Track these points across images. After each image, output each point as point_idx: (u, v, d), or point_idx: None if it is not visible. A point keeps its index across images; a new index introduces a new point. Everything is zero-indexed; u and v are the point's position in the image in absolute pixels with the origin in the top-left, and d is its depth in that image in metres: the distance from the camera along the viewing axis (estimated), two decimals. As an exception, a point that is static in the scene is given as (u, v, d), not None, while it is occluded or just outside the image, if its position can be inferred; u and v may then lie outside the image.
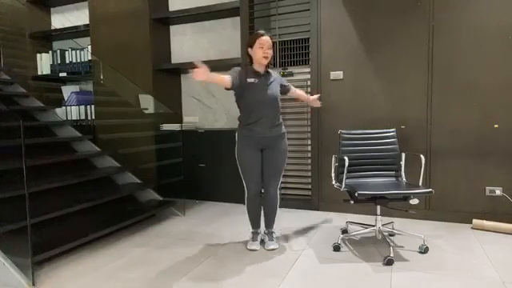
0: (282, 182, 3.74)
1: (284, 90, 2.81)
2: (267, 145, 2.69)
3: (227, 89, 2.62)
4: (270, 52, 2.63)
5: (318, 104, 3.08)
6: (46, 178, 3.10)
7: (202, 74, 2.34)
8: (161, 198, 3.76)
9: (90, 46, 4.50)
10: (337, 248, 2.71)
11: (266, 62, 2.62)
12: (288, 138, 3.72)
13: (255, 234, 2.86)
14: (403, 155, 2.90)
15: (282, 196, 3.77)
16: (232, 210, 3.81)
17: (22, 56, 4.84)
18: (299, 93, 3.00)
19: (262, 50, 2.59)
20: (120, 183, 3.72)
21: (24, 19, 4.88)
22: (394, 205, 2.78)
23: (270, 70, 2.71)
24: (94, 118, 4.46)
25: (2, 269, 2.23)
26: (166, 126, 4.19)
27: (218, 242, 2.95)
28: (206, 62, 4.04)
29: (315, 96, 3.04)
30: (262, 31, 2.65)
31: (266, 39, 2.60)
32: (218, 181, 4.12)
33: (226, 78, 2.55)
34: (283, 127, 2.76)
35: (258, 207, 2.83)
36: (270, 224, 2.85)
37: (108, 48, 4.41)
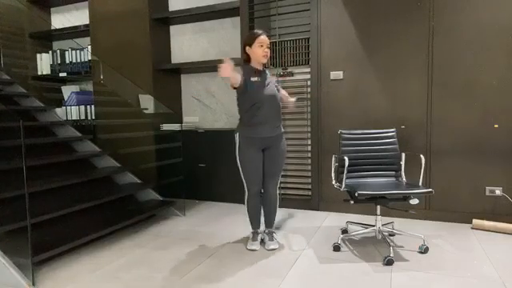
0: (281, 182, 3.77)
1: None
2: (268, 145, 2.69)
3: (235, 88, 2.59)
4: (269, 51, 2.66)
5: (292, 104, 2.93)
6: (46, 178, 3.10)
7: (228, 70, 2.38)
8: (161, 198, 3.76)
9: (89, 46, 4.50)
10: (337, 248, 2.71)
11: (265, 60, 2.64)
12: (288, 138, 3.75)
13: (255, 233, 2.86)
14: (403, 155, 2.90)
15: (282, 196, 3.77)
16: (232, 210, 3.81)
17: (22, 56, 4.84)
18: (283, 93, 2.88)
19: (262, 49, 2.60)
20: (120, 183, 3.72)
21: (24, 19, 4.88)
22: (394, 205, 2.78)
23: (265, 70, 2.74)
24: (94, 118, 4.46)
25: (2, 269, 2.23)
26: (166, 126, 4.19)
27: (218, 242, 2.95)
28: (205, 62, 4.11)
29: (292, 99, 2.89)
30: (259, 31, 2.66)
31: (264, 38, 2.62)
32: (218, 181, 4.12)
33: (239, 78, 2.54)
34: (282, 127, 2.78)
35: (257, 207, 2.83)
36: (270, 224, 2.85)
37: (108, 48, 4.41)
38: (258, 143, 2.66)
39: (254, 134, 2.64)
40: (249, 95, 2.60)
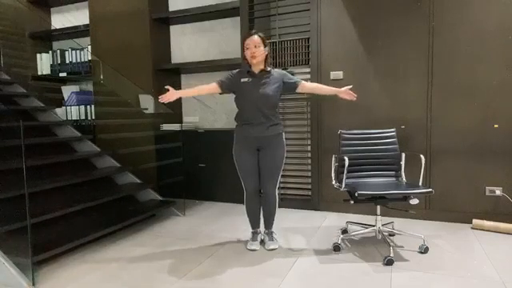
0: (281, 182, 3.76)
1: (289, 86, 2.70)
2: (263, 145, 2.68)
3: (221, 93, 2.76)
4: (258, 51, 2.59)
5: (352, 97, 2.69)
6: (46, 178, 3.10)
7: (169, 95, 2.70)
8: (161, 198, 3.76)
9: (89, 46, 4.50)
10: (337, 248, 2.71)
11: (254, 61, 2.61)
12: (288, 138, 3.73)
13: (255, 233, 2.86)
14: (403, 155, 2.90)
15: (282, 196, 3.77)
16: (232, 210, 3.81)
17: (22, 56, 4.84)
18: (316, 86, 2.85)
19: (249, 51, 2.61)
20: (120, 183, 3.72)
21: (24, 19, 4.88)
22: (394, 205, 2.78)
23: (270, 69, 2.68)
24: (94, 118, 4.46)
25: (1, 269, 2.23)
26: (166, 126, 4.19)
27: (218, 241, 2.95)
28: (205, 62, 4.11)
29: (345, 88, 2.70)
30: (251, 31, 2.69)
31: (250, 39, 2.61)
32: (218, 181, 4.12)
33: (211, 85, 2.74)
34: (280, 127, 2.71)
35: (256, 207, 2.83)
36: (269, 225, 2.85)
37: (108, 48, 4.41)
38: (249, 142, 2.68)
39: (244, 132, 2.69)
40: (238, 96, 2.69)
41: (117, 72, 4.26)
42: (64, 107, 4.59)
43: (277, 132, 2.69)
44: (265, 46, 2.63)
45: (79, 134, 3.88)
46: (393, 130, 2.97)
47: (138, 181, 3.74)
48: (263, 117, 2.62)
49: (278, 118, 2.73)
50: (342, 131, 2.96)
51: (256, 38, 2.60)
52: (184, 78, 4.61)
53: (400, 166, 2.90)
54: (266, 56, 2.66)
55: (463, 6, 3.09)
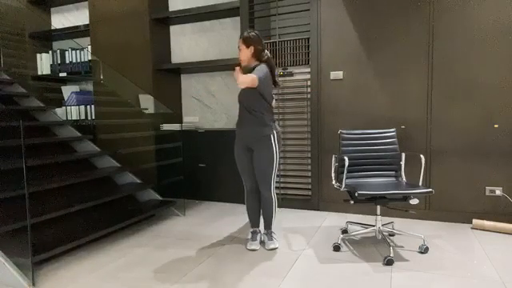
0: (282, 182, 3.76)
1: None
2: (251, 146, 2.69)
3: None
4: (241, 55, 2.65)
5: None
6: (46, 178, 3.10)
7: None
8: (161, 198, 3.76)
9: (89, 46, 4.50)
10: (337, 248, 2.71)
11: (242, 64, 2.66)
12: (288, 138, 3.74)
13: (254, 233, 2.86)
14: (403, 155, 2.90)
15: (282, 196, 3.77)
16: (232, 210, 3.81)
17: (22, 56, 4.83)
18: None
19: None
20: (120, 183, 3.72)
21: (24, 19, 4.88)
22: (394, 205, 2.78)
23: (256, 66, 2.63)
24: (94, 118, 4.46)
25: (2, 269, 2.23)
26: (166, 126, 4.19)
27: (218, 242, 2.95)
28: (205, 62, 4.11)
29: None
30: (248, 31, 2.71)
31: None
32: (218, 181, 4.12)
33: None
34: (268, 129, 2.64)
35: (255, 206, 2.83)
36: (267, 225, 2.84)
37: (108, 48, 4.41)
38: (241, 142, 2.73)
39: (237, 131, 2.76)
40: None
41: (117, 72, 4.26)
42: (64, 107, 4.59)
43: (263, 134, 2.63)
44: (247, 46, 2.61)
45: (79, 134, 3.88)
46: (393, 130, 2.97)
47: (138, 181, 3.74)
48: (250, 116, 2.65)
49: (268, 119, 2.66)
50: (342, 131, 2.96)
51: (239, 42, 2.65)
52: (184, 78, 4.61)
53: (400, 165, 2.90)
54: (253, 54, 2.63)
55: (463, 6, 3.09)
